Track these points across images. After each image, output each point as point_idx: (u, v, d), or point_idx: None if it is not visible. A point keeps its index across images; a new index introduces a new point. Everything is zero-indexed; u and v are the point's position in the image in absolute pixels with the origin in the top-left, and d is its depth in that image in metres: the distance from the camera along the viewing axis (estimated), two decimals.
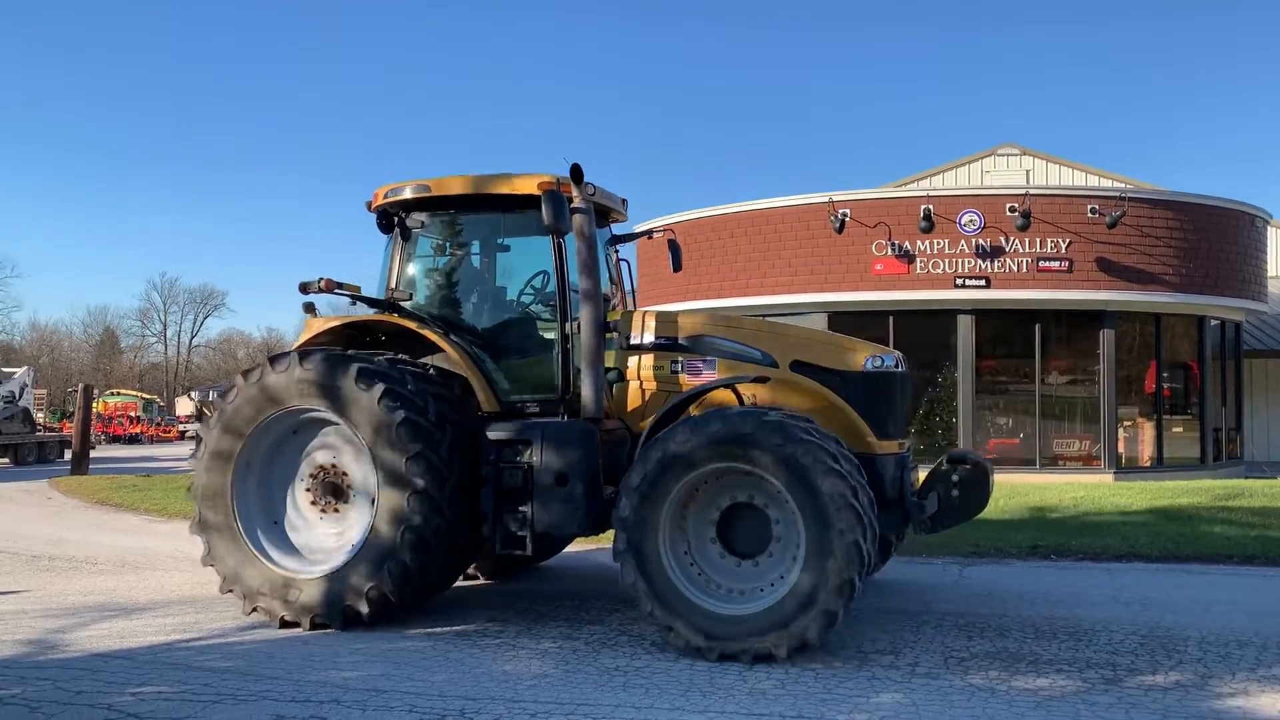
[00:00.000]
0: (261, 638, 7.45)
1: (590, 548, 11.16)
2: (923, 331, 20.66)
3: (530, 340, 8.27)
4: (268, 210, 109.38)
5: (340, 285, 8.37)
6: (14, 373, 34.80)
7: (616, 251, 9.16)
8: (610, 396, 7.91)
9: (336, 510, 7.88)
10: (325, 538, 7.88)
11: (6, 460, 31.21)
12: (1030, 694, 5.92)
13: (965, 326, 20.03)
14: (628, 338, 7.95)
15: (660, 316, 7.99)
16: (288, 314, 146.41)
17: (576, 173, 7.56)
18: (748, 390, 7.72)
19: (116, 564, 10.96)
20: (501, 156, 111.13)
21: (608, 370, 7.83)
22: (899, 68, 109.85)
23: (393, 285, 8.45)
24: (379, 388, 7.40)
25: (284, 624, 7.62)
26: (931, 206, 19.41)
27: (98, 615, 8.17)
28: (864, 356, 7.70)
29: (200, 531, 7.93)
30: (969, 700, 5.80)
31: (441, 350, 8.01)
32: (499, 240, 8.60)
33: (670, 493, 6.82)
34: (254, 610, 7.74)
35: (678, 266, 9.68)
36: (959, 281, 19.51)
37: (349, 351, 7.84)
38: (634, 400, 7.94)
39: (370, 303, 8.51)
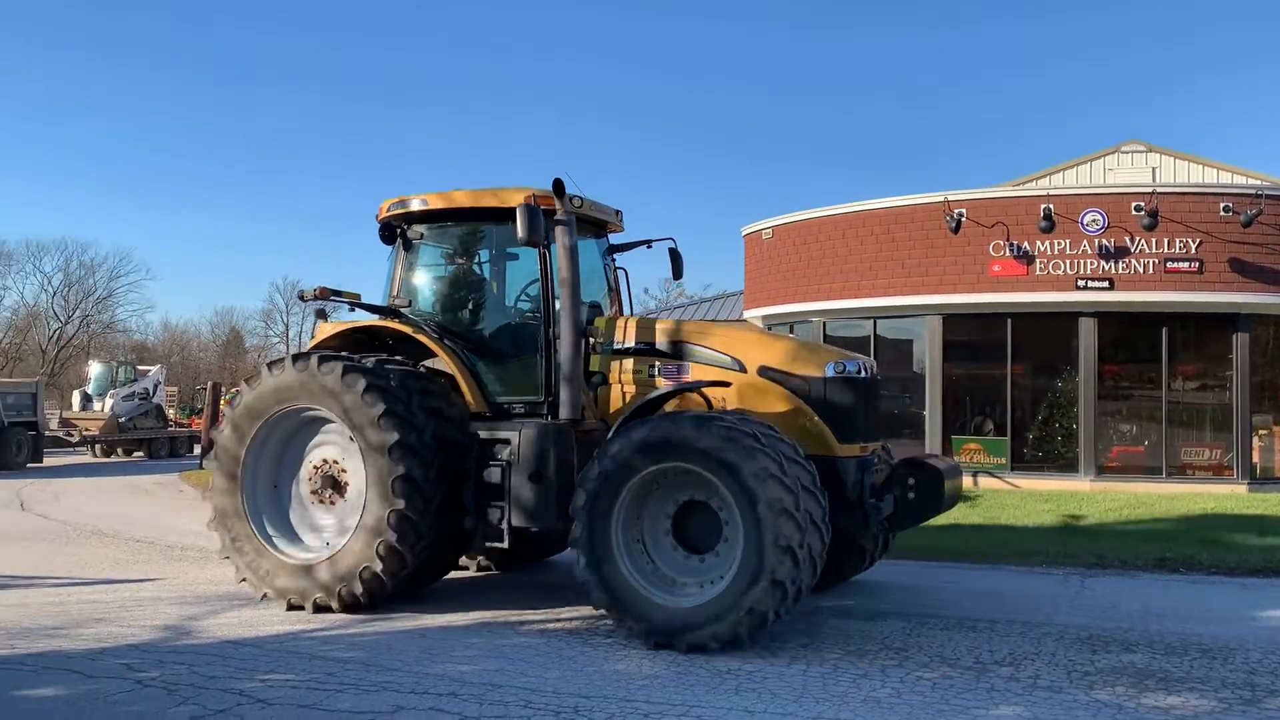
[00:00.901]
0: (380, 629, 7.66)
1: None
2: (1042, 335, 20.05)
3: (518, 345, 8.65)
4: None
5: (337, 293, 8.99)
6: (148, 371, 36.57)
7: (614, 260, 9.57)
8: (594, 398, 8.36)
9: (334, 502, 8.49)
10: (326, 527, 8.52)
11: (141, 454, 32.82)
12: (1161, 712, 5.69)
13: (1087, 330, 19.35)
14: (611, 343, 8.40)
15: (640, 323, 8.45)
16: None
17: (558, 186, 8.03)
18: (718, 394, 7.99)
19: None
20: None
21: (593, 374, 8.38)
22: (1016, 63, 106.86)
23: (394, 293, 9.05)
24: (361, 383, 7.97)
25: (291, 606, 8.23)
26: (1052, 205, 18.81)
27: (227, 604, 8.52)
28: (827, 362, 8.00)
29: (217, 526, 8.60)
30: (1094, 716, 5.61)
31: (435, 354, 8.58)
32: (492, 251, 9.05)
33: (619, 492, 7.22)
34: (264, 596, 8.38)
35: (678, 275, 9.82)
36: (1081, 283, 18.85)
37: (340, 353, 8.46)
38: (615, 401, 8.33)
39: (370, 309, 9.18)
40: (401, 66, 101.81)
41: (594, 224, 9.17)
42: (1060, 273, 18.96)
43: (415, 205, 8.89)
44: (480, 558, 10.10)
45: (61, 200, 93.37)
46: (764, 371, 8.00)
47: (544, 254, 8.31)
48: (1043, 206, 18.80)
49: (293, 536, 8.57)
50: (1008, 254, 19.20)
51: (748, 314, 24.88)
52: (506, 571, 10.32)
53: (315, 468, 8.57)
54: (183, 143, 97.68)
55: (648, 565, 7.36)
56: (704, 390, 8.00)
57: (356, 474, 8.28)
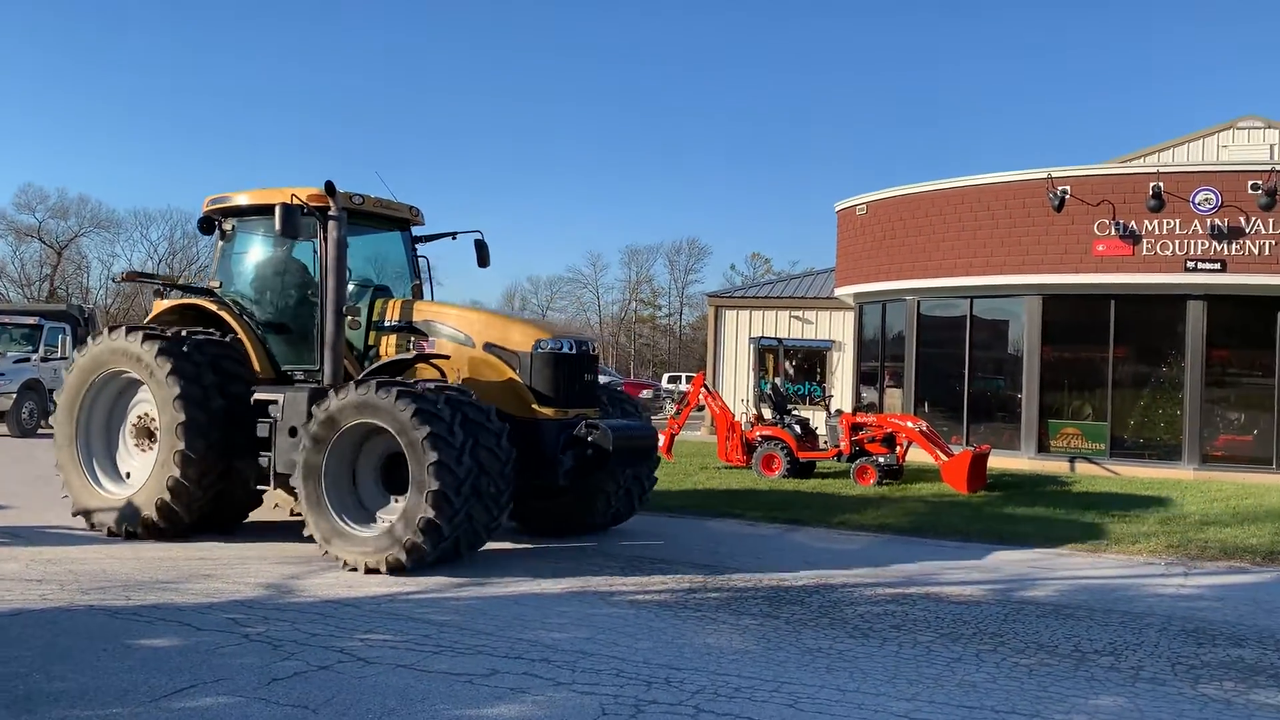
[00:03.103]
0: (474, 595, 7.81)
1: (760, 528, 11.05)
2: (1147, 317, 19.41)
3: (299, 322, 10.10)
4: (458, 199, 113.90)
5: (146, 275, 10.68)
6: None
7: (415, 250, 10.97)
8: (359, 366, 9.83)
9: (148, 449, 10.09)
10: (141, 469, 10.06)
11: None
12: (1272, 710, 5.49)
13: (1195, 313, 18.64)
14: (383, 321, 9.94)
15: (403, 305, 9.97)
16: (492, 289, 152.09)
17: (329, 187, 9.36)
18: (450, 365, 9.49)
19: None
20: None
21: (370, 347, 9.97)
22: (1124, 36, 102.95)
23: (212, 275, 10.73)
24: (154, 347, 9.59)
25: (110, 533, 9.75)
26: (1162, 183, 18.10)
27: (327, 564, 8.76)
28: (535, 340, 9.37)
29: (59, 471, 10.33)
30: (1201, 711, 5.43)
31: (234, 329, 10.13)
32: (278, 241, 10.21)
33: (328, 442, 8.66)
34: (92, 526, 9.92)
35: (483, 263, 11.16)
36: (1190, 264, 18.15)
37: (148, 325, 10.23)
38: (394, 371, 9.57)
39: (184, 289, 11.16)
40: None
41: (391, 219, 10.66)
42: (1169, 253, 18.29)
43: (225, 202, 10.46)
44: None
45: (168, 171, 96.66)
46: (488, 347, 9.50)
47: (322, 245, 9.58)
48: (1151, 184, 18.13)
49: (117, 477, 10.28)
50: (1113, 233, 18.59)
51: (838, 291, 24.57)
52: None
53: (135, 421, 10.27)
54: (278, 123, 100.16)
55: (355, 503, 8.85)
56: (438, 363, 9.49)
57: (160, 423, 9.77)
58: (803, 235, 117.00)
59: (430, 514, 8.13)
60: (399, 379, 8.84)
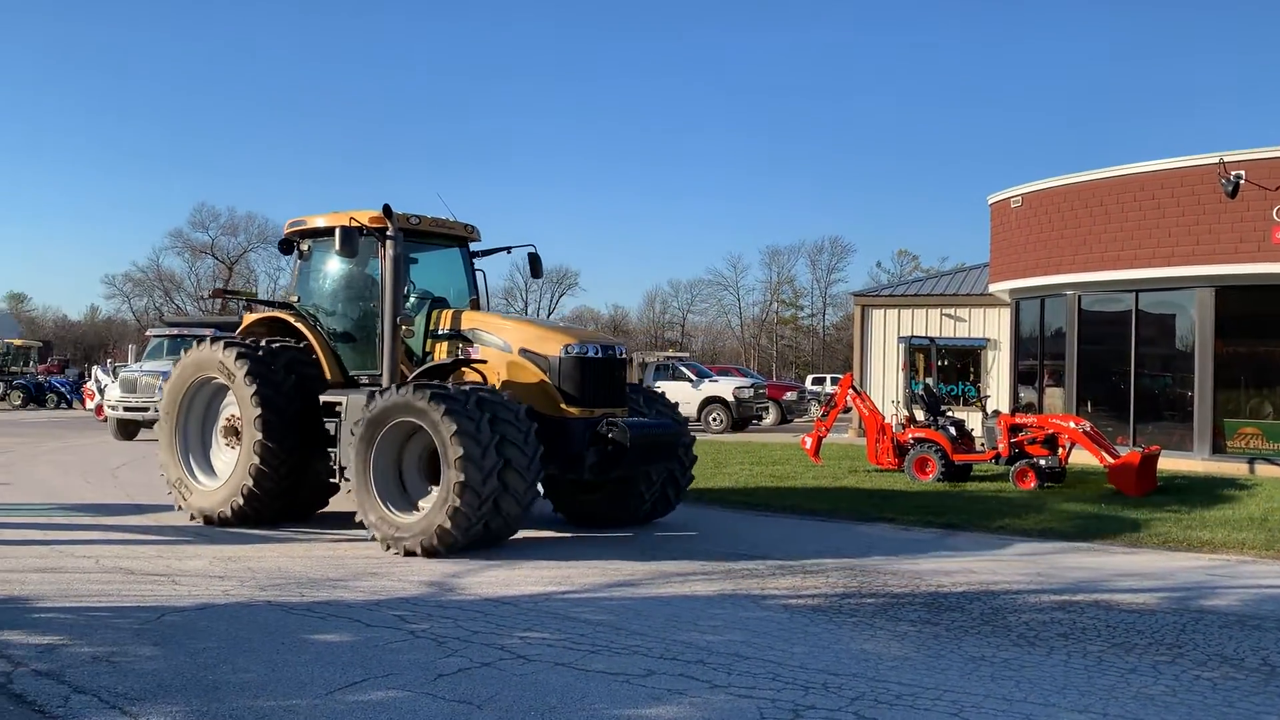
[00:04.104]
0: (627, 595, 7.89)
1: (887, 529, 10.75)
2: None
3: (363, 331, 11.10)
4: (615, 197, 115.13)
5: (233, 292, 12.53)
6: None
7: (473, 265, 11.95)
8: (414, 371, 10.57)
9: (235, 446, 11.11)
10: (230, 464, 11.05)
11: None
12: None
13: None
14: (438, 329, 10.84)
15: (453, 315, 10.86)
16: (632, 293, 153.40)
17: (387, 210, 10.43)
18: (490, 369, 10.38)
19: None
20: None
21: (427, 354, 10.83)
22: None
23: (290, 290, 11.82)
24: (234, 352, 10.74)
25: (207, 521, 10.85)
26: None
27: (486, 563, 9.02)
28: (563, 345, 10.17)
29: (162, 469, 11.42)
30: None
31: (308, 338, 11.16)
32: (358, 259, 11.01)
33: (375, 439, 9.58)
34: (190, 516, 11.04)
35: (536, 274, 12.14)
36: None
37: (231, 335, 11.65)
38: (440, 374, 10.50)
39: (265, 304, 12.48)
40: None
41: (449, 237, 11.68)
42: None
43: (302, 225, 11.47)
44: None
45: (329, 187, 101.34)
46: (523, 352, 10.32)
47: (382, 262, 10.57)
48: None
49: (211, 472, 11.34)
50: None
51: (993, 287, 23.78)
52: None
53: (225, 421, 11.36)
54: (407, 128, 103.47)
55: (400, 492, 9.73)
56: (478, 366, 10.38)
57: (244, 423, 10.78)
58: (952, 231, 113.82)
59: (457, 502, 8.90)
60: (436, 382, 9.81)
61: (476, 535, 9.19)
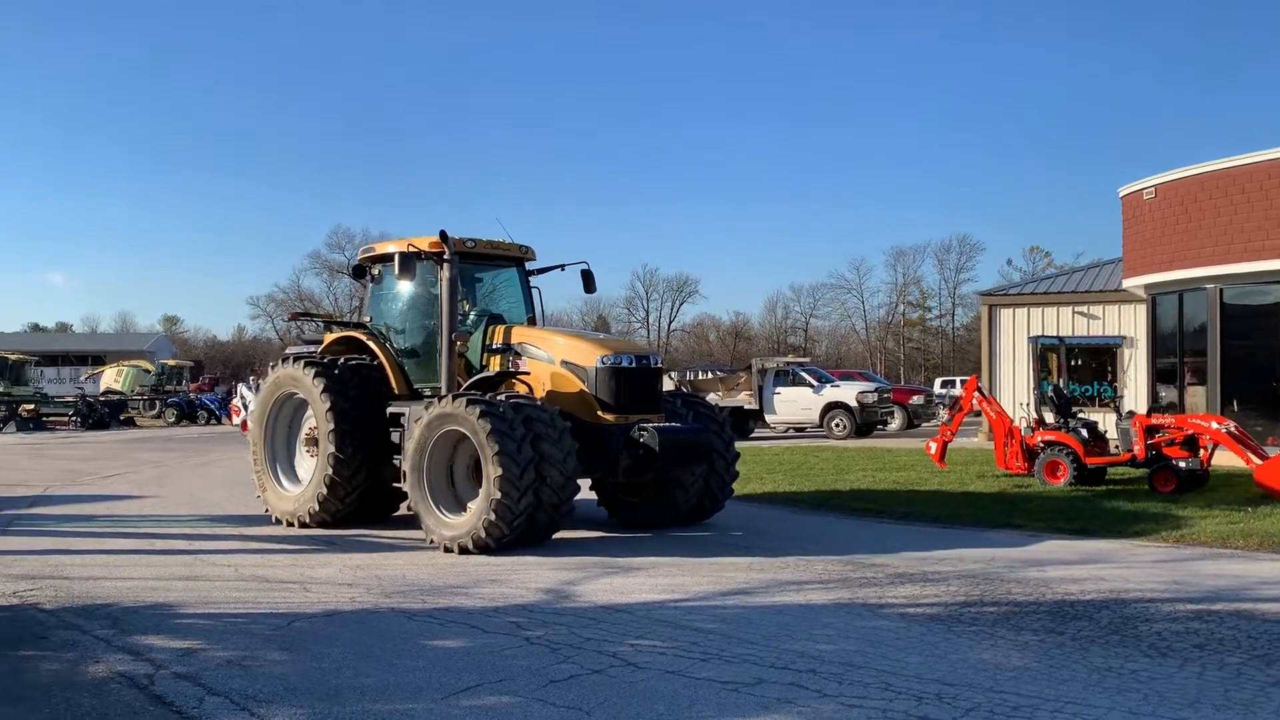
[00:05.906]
0: (739, 604, 7.87)
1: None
2: None
3: (426, 347, 11.88)
4: (737, 205, 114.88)
5: (309, 315, 12.39)
6: None
7: (528, 282, 12.65)
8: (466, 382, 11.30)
9: (314, 455, 11.90)
10: (309, 471, 11.99)
11: None
12: None
13: None
14: (493, 344, 11.55)
15: (505, 330, 11.60)
16: (753, 300, 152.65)
17: (443, 235, 11.22)
18: (535, 379, 11.11)
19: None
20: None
21: (484, 366, 11.52)
22: None
23: (363, 311, 12.93)
24: (311, 370, 11.67)
25: (288, 524, 11.80)
26: None
27: (600, 572, 9.12)
28: (597, 356, 10.84)
29: (255, 476, 12.47)
30: None
31: (378, 355, 12.01)
32: (420, 281, 11.87)
33: (426, 447, 10.39)
34: (277, 520, 11.99)
35: (589, 289, 12.59)
36: None
37: (310, 352, 12.69)
38: (489, 385, 11.27)
39: (339, 324, 13.39)
40: None
41: (505, 258, 12.43)
42: None
43: (372, 251, 12.53)
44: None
45: (455, 206, 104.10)
46: (564, 363, 11.02)
47: (441, 283, 11.24)
48: None
49: (295, 479, 12.34)
50: None
51: (1127, 283, 22.83)
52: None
53: (306, 432, 12.29)
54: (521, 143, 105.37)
55: (453, 496, 10.55)
56: (523, 378, 11.14)
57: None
58: (1089, 224, 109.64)
59: (498, 495, 9.62)
60: (478, 393, 10.59)
61: (521, 528, 9.88)
